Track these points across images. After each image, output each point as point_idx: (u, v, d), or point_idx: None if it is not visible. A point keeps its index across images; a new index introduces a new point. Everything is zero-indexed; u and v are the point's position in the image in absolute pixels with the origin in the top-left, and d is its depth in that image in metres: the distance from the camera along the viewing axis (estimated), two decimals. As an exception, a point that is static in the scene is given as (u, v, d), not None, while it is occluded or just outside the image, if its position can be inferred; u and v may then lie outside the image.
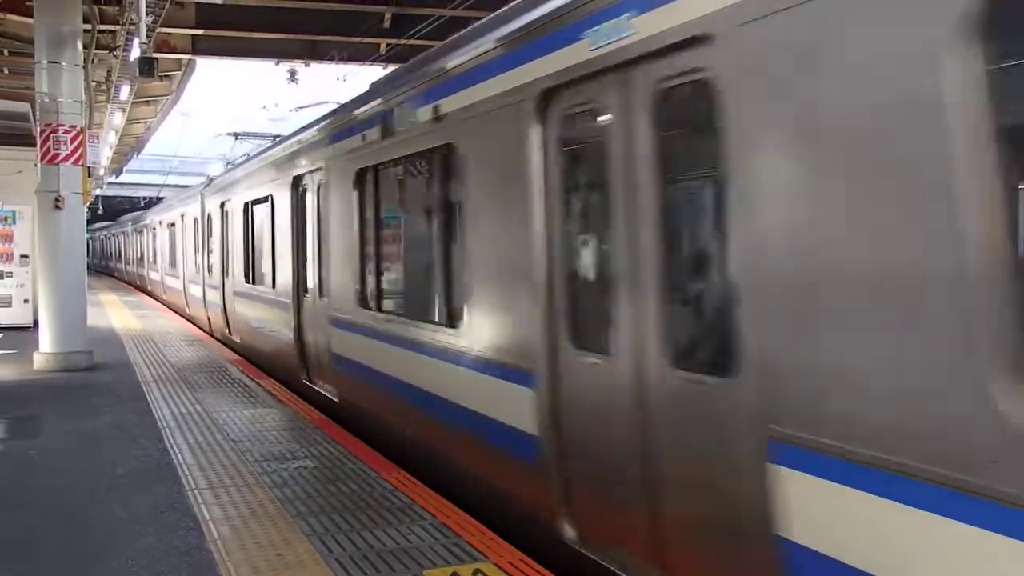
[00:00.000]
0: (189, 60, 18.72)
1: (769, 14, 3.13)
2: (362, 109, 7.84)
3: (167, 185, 56.21)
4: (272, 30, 16.56)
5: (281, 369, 10.86)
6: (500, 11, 5.60)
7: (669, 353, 3.88)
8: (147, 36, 12.02)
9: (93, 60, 14.53)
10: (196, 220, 17.74)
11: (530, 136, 4.83)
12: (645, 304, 4.00)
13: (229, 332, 14.54)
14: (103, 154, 25.68)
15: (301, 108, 22.84)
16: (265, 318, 11.68)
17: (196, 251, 17.95)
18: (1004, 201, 2.47)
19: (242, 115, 53.99)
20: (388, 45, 17.03)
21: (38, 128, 11.99)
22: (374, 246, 7.73)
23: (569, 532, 4.60)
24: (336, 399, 8.66)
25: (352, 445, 7.25)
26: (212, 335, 15.99)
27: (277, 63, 18.66)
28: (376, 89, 8.00)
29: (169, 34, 16.33)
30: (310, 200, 9.53)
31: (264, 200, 11.58)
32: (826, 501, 2.98)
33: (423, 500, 5.66)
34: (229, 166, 16.32)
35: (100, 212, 53.17)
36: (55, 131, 11.66)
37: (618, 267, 4.20)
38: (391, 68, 16.90)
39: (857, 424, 2.85)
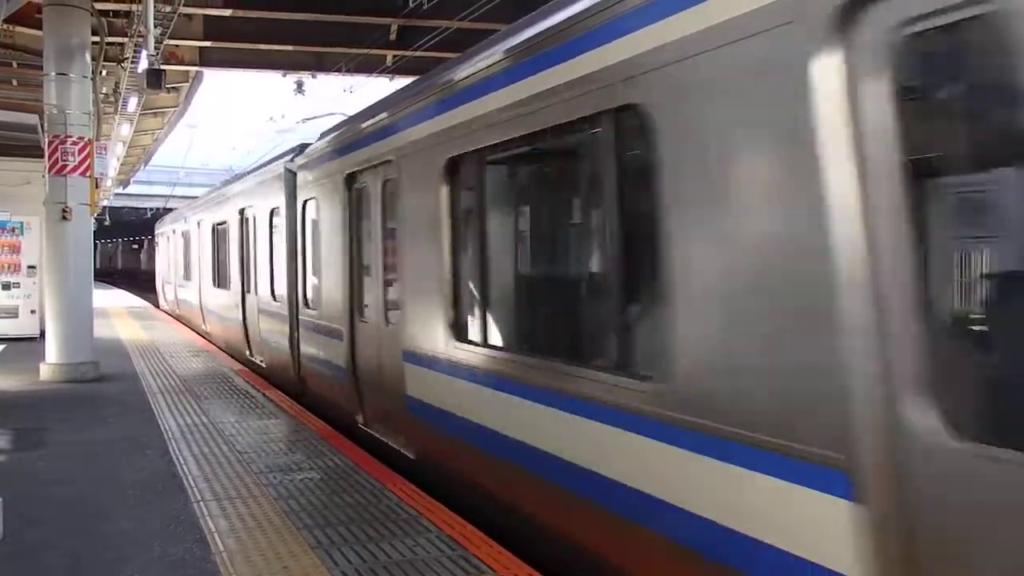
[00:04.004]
0: (196, 72, 18.81)
1: None
2: (467, 72, 5.87)
3: (174, 196, 56.46)
4: (279, 42, 16.64)
5: (327, 408, 9.38)
6: None
7: (944, 414, 2.58)
8: (155, 48, 12.06)
9: (101, 72, 14.59)
10: (214, 228, 16.62)
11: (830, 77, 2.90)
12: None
13: (250, 353, 13.25)
14: (111, 165, 25.78)
15: (308, 120, 22.97)
16: (304, 346, 10.21)
17: (214, 262, 16.66)
18: None
19: (249, 128, 54.32)
20: (395, 57, 17.10)
21: (46, 139, 12.05)
22: (479, 258, 5.90)
23: None
24: (411, 455, 6.96)
25: (358, 457, 7.22)
26: (231, 356, 14.61)
27: (284, 75, 18.75)
28: (497, 41, 5.78)
29: (177, 46, 16.42)
30: (372, 201, 7.89)
31: (303, 203, 10.17)
32: None
33: (429, 512, 5.63)
34: (250, 168, 15.27)
35: (107, 223, 53.39)
36: (63, 142, 11.71)
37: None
38: (398, 80, 17.02)
39: None
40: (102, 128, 15.80)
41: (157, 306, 28.65)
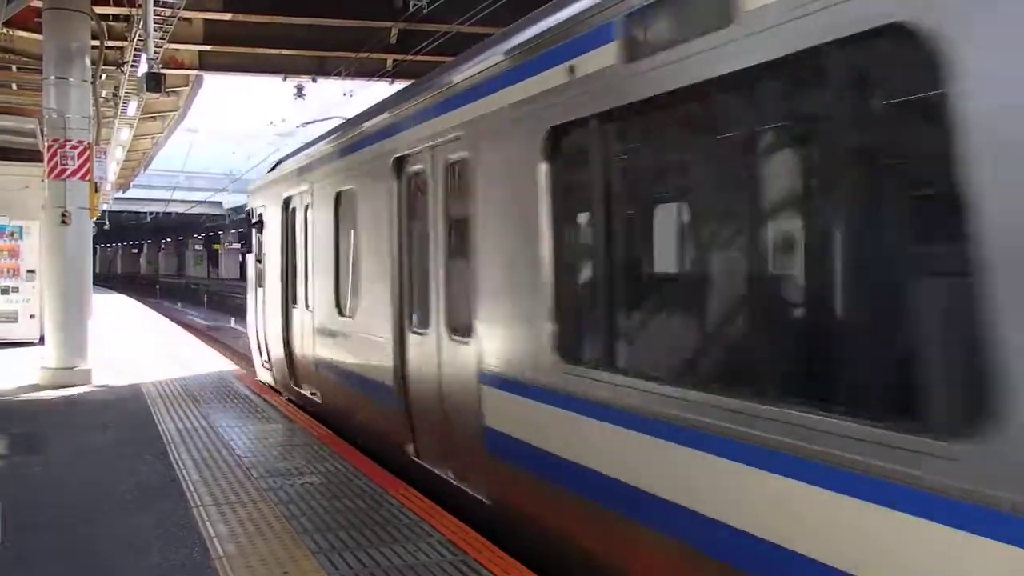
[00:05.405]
0: (196, 76, 18.81)
1: None
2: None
3: (174, 200, 56.53)
4: (279, 46, 16.65)
5: (367, 435, 8.05)
6: None
7: None
8: (155, 52, 12.06)
9: (101, 76, 14.55)
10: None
11: None
12: None
13: (295, 382, 10.60)
14: (110, 169, 25.75)
15: (308, 124, 22.96)
16: (352, 363, 8.42)
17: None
18: None
19: (249, 132, 54.34)
20: (395, 61, 17.11)
21: (46, 143, 12.05)
22: (608, 250, 4.39)
23: None
24: (487, 500, 5.64)
25: (359, 462, 7.20)
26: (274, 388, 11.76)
27: (284, 79, 18.76)
28: None
29: (177, 50, 16.42)
30: (433, 185, 6.40)
31: (348, 193, 8.44)
32: None
33: (431, 517, 5.60)
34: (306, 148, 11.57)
35: (106, 227, 53.45)
36: (63, 147, 11.70)
37: None
38: (398, 84, 17.03)
39: None
40: (101, 132, 15.79)
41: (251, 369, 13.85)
